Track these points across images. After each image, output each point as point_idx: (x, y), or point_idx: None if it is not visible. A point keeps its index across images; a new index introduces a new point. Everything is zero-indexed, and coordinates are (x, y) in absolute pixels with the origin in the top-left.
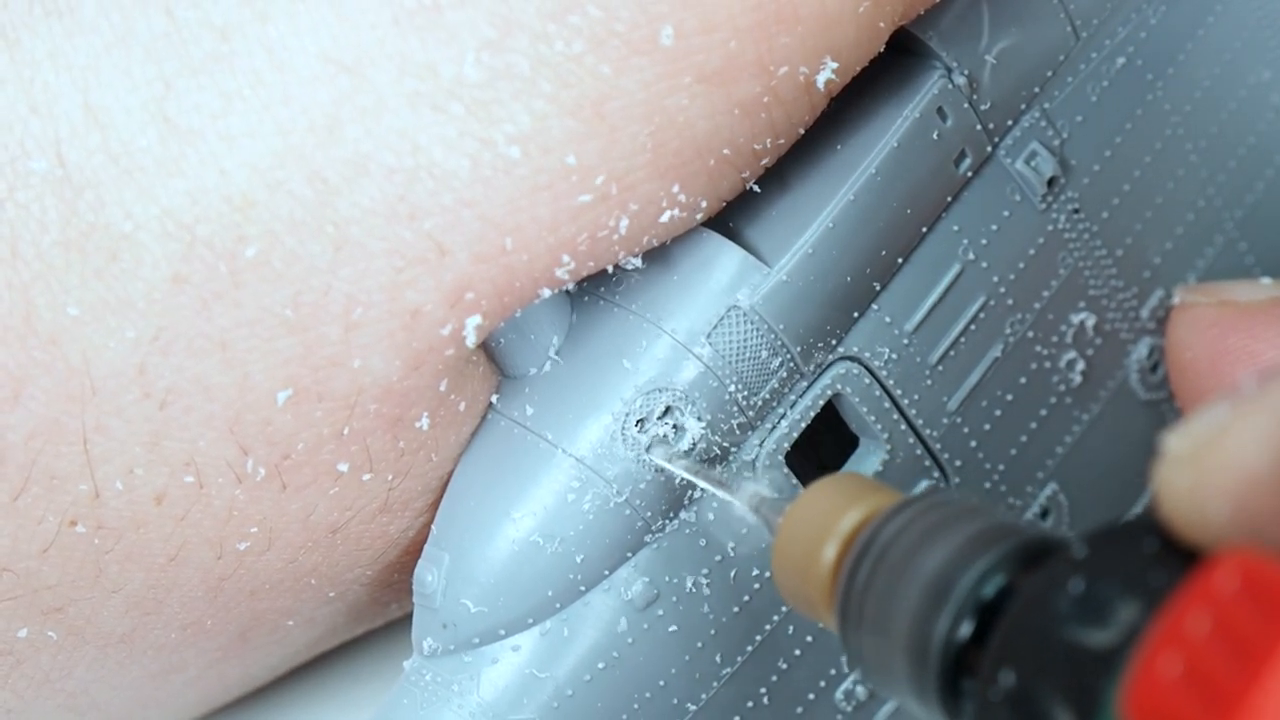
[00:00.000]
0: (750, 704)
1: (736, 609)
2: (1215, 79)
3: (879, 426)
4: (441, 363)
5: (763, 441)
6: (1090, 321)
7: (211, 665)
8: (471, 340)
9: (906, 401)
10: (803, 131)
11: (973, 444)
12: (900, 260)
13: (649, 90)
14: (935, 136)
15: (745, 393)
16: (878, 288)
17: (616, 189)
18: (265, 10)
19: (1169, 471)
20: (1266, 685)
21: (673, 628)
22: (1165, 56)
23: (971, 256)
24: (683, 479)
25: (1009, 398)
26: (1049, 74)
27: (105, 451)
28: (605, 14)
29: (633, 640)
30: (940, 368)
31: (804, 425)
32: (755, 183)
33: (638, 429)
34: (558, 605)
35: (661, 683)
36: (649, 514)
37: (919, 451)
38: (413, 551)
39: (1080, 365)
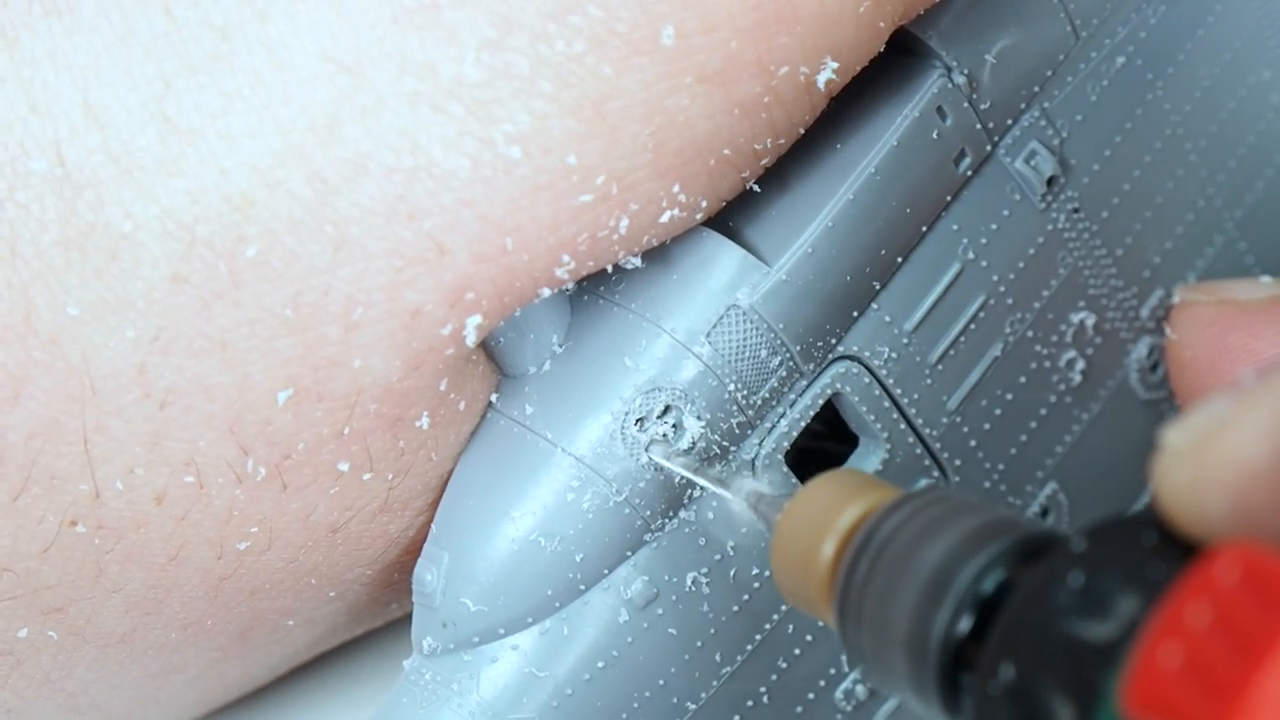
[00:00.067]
0: (750, 703)
1: (736, 608)
2: (1215, 79)
3: (878, 426)
4: (441, 362)
5: (762, 440)
6: (1090, 321)
7: (211, 665)
8: (471, 340)
9: (906, 401)
10: (803, 131)
11: (972, 443)
12: (900, 259)
13: (650, 90)
14: (935, 136)
15: (745, 392)
16: (877, 287)
17: (617, 189)
18: (265, 9)
19: (1168, 465)
20: (1266, 676)
21: (672, 627)
22: (1165, 56)
23: (971, 256)
24: (682, 478)
25: (1009, 397)
26: (1049, 73)
27: (105, 451)
28: (606, 14)
29: (632, 639)
30: (940, 367)
31: (803, 424)
32: (755, 182)
33: (637, 428)
34: (557, 604)
35: (661, 682)
36: (648, 513)
37: (918, 451)
38: (413, 551)
39: (1080, 364)
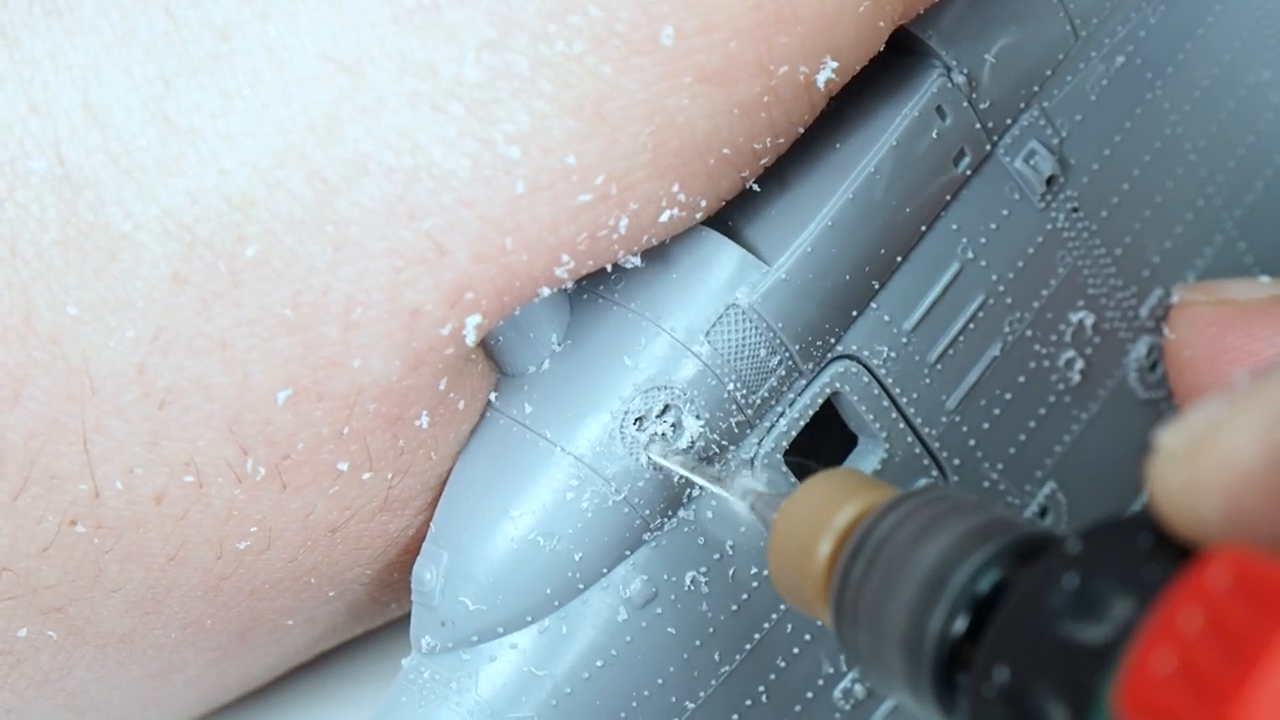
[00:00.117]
0: (749, 702)
1: (735, 607)
2: (1215, 79)
3: (877, 425)
4: (441, 362)
5: (761, 440)
6: (1089, 320)
7: (211, 665)
8: (471, 339)
9: (905, 400)
10: (802, 131)
11: (971, 443)
12: (899, 259)
13: (649, 90)
14: (934, 135)
15: (744, 391)
16: (876, 286)
17: (616, 189)
18: (265, 9)
19: (1163, 467)
20: (1259, 680)
21: (671, 626)
22: (1165, 56)
23: (970, 255)
24: (681, 477)
25: (1008, 396)
26: (1048, 73)
27: (105, 451)
28: (606, 14)
29: (631, 638)
30: (939, 366)
31: (802, 424)
32: (755, 181)
33: (636, 427)
34: (556, 603)
35: (660, 681)
36: (647, 512)
37: (917, 450)
38: (412, 550)
39: (1079, 364)
